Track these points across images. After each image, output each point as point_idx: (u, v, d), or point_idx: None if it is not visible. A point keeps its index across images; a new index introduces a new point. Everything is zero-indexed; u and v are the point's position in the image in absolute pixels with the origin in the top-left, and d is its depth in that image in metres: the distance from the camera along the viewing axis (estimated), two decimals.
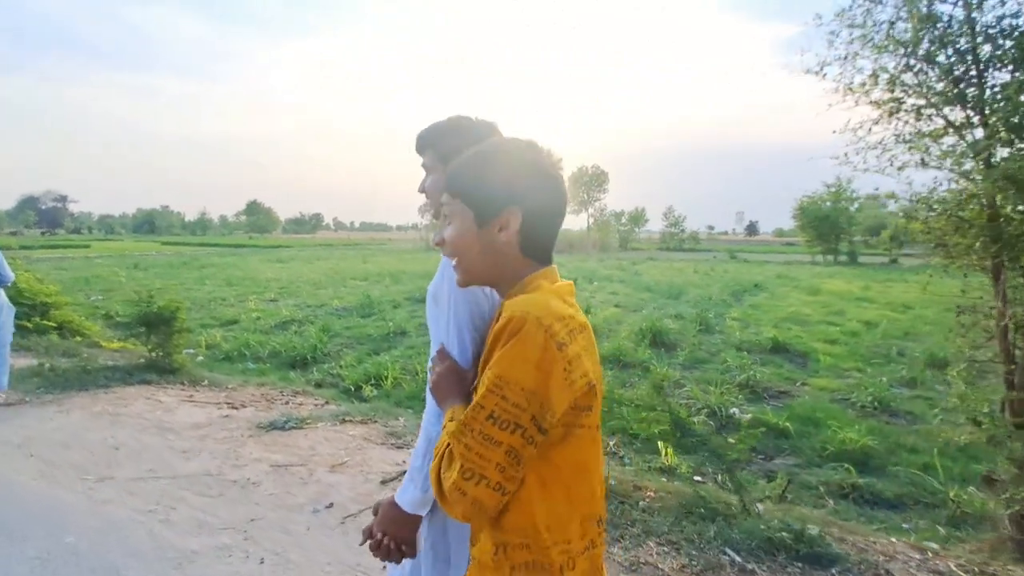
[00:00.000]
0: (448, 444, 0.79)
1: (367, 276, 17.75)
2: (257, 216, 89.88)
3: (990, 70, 2.22)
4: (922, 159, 2.37)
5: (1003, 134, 2.16)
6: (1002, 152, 2.24)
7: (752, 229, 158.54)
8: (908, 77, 2.31)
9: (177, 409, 3.59)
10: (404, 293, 12.74)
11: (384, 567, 1.11)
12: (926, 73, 2.29)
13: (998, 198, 2.27)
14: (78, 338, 5.44)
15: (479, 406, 0.75)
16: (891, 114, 2.38)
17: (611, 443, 4.13)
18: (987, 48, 2.19)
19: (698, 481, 3.50)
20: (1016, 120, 2.10)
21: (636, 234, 62.12)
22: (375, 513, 1.06)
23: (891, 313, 11.03)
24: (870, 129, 2.44)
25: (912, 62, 2.27)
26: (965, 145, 2.28)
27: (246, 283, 15.34)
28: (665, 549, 2.32)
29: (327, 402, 4.07)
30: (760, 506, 2.55)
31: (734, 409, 4.84)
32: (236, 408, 3.64)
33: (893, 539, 2.52)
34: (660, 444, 3.70)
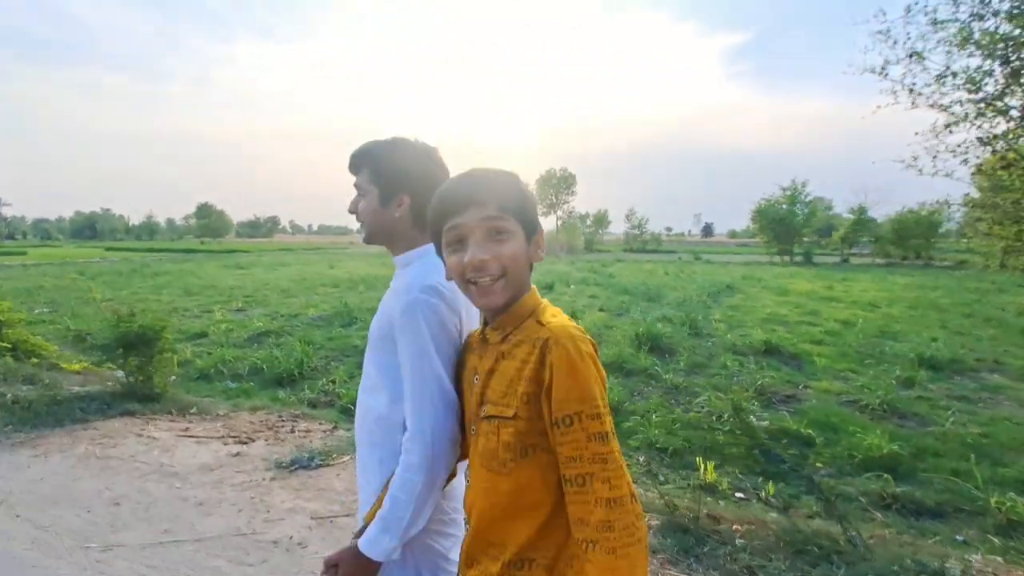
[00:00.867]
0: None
1: (338, 282, 17.06)
2: (208, 219, 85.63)
3: None
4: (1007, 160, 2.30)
5: None
6: None
7: (708, 231, 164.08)
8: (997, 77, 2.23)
9: (176, 447, 3.11)
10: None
11: None
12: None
13: None
14: (34, 360, 4.81)
15: (598, 435, 0.81)
16: (977, 116, 2.30)
17: (640, 459, 3.95)
18: None
19: (741, 498, 3.38)
20: None
21: (600, 236, 62.99)
22: (332, 565, 1.01)
23: (862, 312, 11.42)
24: (949, 131, 2.35)
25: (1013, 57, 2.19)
26: None
27: (207, 292, 14.43)
28: None
29: (335, 426, 3.70)
30: (866, 536, 2.36)
31: (751, 416, 4.77)
32: (243, 443, 3.21)
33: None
34: (699, 460, 3.55)
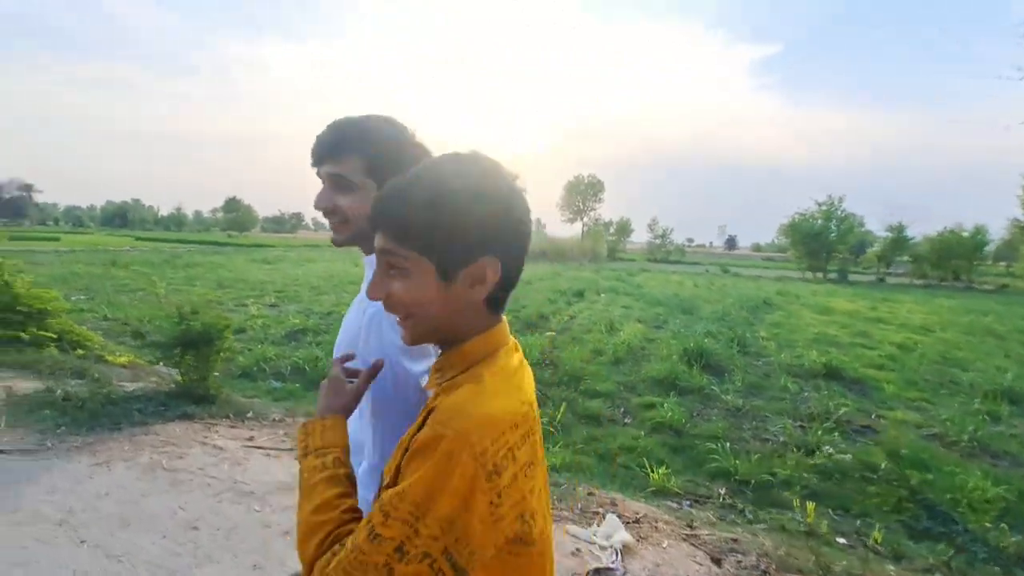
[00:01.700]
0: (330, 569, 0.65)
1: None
2: (236, 213, 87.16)
3: None
4: None
5: None
6: None
7: (731, 243, 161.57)
8: None
9: (247, 461, 2.86)
10: None
11: None
12: None
13: None
14: (79, 351, 4.69)
15: (382, 538, 0.61)
16: None
17: (719, 490, 3.62)
18: None
19: (845, 544, 3.04)
20: None
21: (623, 244, 62.38)
22: None
23: (916, 336, 10.87)
24: None
25: None
26: None
27: (238, 285, 14.46)
28: None
29: None
30: None
31: (828, 448, 4.41)
32: None
33: None
34: (794, 498, 3.21)
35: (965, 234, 28.77)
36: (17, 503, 2.39)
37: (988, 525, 3.24)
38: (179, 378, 3.55)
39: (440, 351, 0.77)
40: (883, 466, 4.03)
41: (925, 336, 11.01)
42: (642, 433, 4.69)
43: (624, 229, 62.64)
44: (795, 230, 31.70)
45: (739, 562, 2.50)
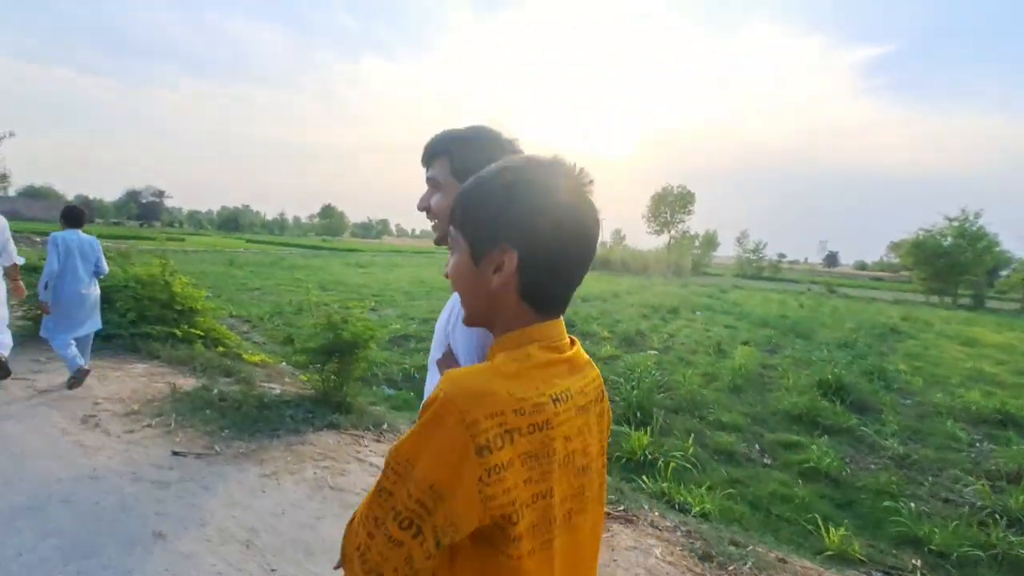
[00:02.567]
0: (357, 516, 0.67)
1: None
2: (330, 219, 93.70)
3: None
4: None
5: None
6: None
7: (832, 260, 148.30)
8: None
9: None
10: None
11: None
12: None
13: None
14: (220, 348, 4.95)
15: (385, 491, 0.63)
16: None
17: (914, 562, 2.98)
18: None
19: None
20: None
21: (709, 258, 59.26)
22: None
23: None
24: None
25: None
26: None
27: (339, 288, 15.18)
28: None
29: None
30: None
31: None
32: None
33: None
34: None
35: None
36: (202, 516, 2.38)
37: None
38: (319, 383, 3.55)
39: None
40: None
41: None
42: (791, 478, 4.09)
43: (710, 242, 59.52)
44: (920, 248, 28.15)
45: None
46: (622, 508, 2.65)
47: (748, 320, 14.32)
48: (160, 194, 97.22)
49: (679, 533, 2.79)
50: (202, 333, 4.78)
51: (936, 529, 3.19)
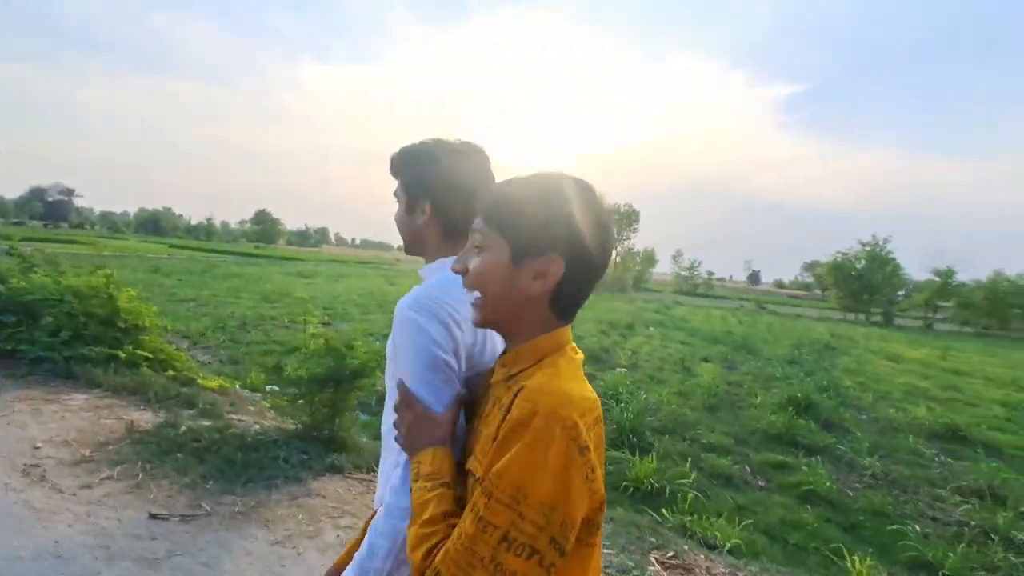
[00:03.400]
0: (436, 562, 0.66)
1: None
2: (264, 225, 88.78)
3: None
4: None
5: None
6: None
7: (755, 278, 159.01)
8: None
9: None
10: None
11: None
12: None
13: None
14: (170, 371, 4.31)
15: (489, 524, 0.62)
16: None
17: None
18: None
19: None
20: None
21: (649, 275, 61.63)
22: None
23: (1014, 393, 10.03)
24: None
25: None
26: None
27: (285, 300, 14.19)
28: None
29: None
30: None
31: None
32: None
33: None
34: None
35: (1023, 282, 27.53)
36: None
37: None
38: (305, 416, 3.07)
39: (505, 346, 0.82)
40: None
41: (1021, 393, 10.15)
42: (792, 502, 4.10)
43: (650, 259, 62.00)
44: (838, 269, 30.70)
45: None
46: (671, 555, 2.47)
47: (699, 336, 14.82)
48: (69, 192, 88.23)
49: None
50: (149, 354, 4.14)
51: (949, 553, 3.26)
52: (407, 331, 0.90)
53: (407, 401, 0.87)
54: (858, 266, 30.33)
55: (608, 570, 2.37)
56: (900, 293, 44.21)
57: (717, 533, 3.17)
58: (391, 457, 1.00)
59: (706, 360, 10.73)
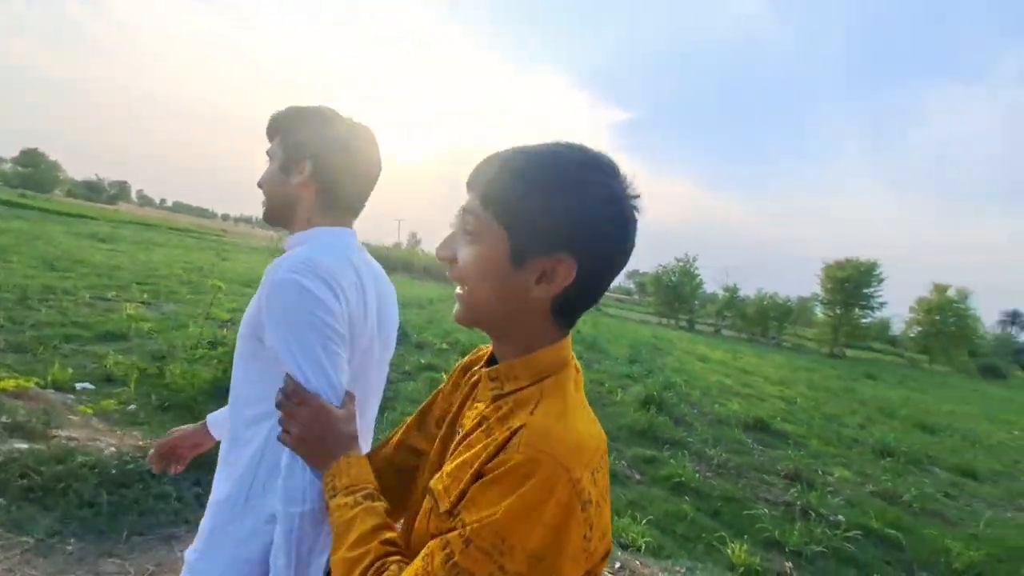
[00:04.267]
0: None
1: (249, 281, 14.60)
2: (36, 168, 69.89)
3: None
4: None
5: None
6: None
7: None
8: None
9: None
10: None
11: None
12: None
13: None
14: None
15: (463, 572, 0.54)
16: None
17: None
18: None
19: None
20: None
21: None
22: None
23: (785, 389, 12.67)
24: None
25: None
26: None
27: (79, 269, 11.32)
28: None
29: None
30: None
31: (824, 510, 4.73)
32: None
33: None
34: None
35: (782, 301, 35.39)
36: None
37: None
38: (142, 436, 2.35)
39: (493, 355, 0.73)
40: (880, 528, 4.43)
41: (789, 389, 12.89)
42: (667, 494, 4.57)
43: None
44: (658, 280, 35.76)
45: None
46: (619, 566, 2.52)
47: None
48: None
49: None
50: None
51: (792, 531, 3.93)
52: (288, 295, 0.78)
53: (299, 395, 0.74)
54: (673, 279, 35.81)
55: None
56: (696, 303, 53.39)
57: (625, 533, 3.36)
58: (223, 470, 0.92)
59: None
